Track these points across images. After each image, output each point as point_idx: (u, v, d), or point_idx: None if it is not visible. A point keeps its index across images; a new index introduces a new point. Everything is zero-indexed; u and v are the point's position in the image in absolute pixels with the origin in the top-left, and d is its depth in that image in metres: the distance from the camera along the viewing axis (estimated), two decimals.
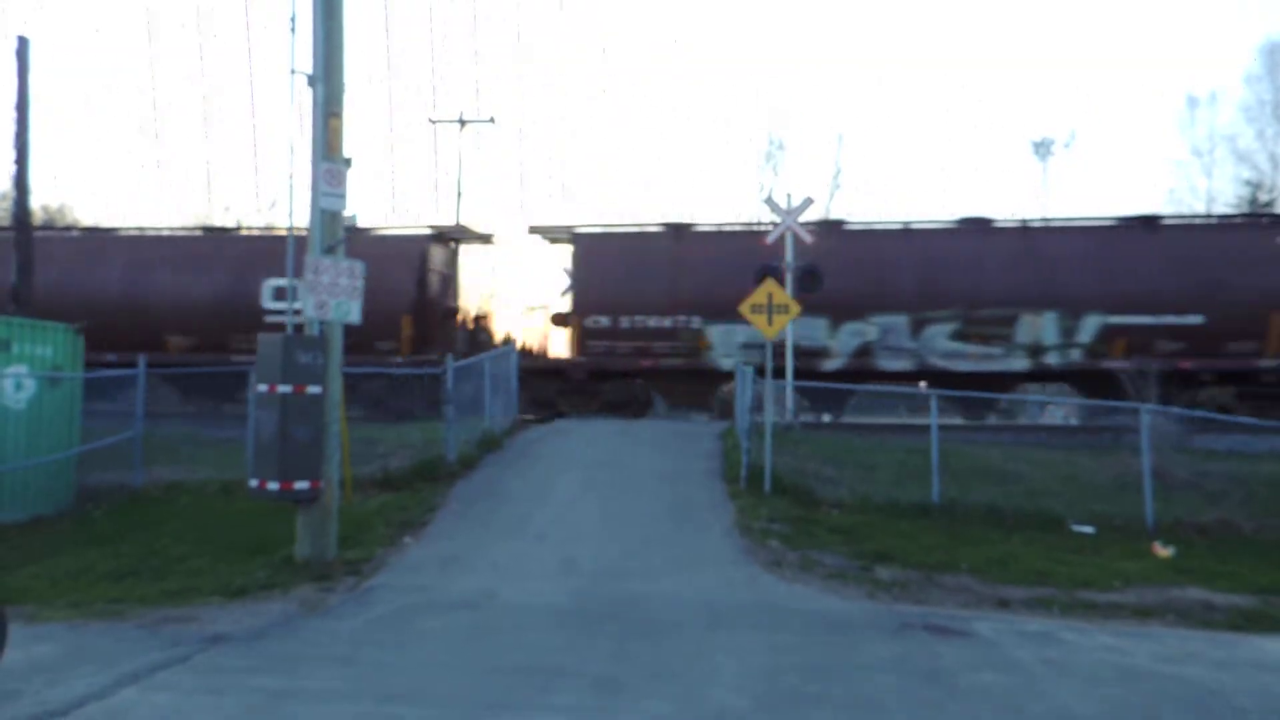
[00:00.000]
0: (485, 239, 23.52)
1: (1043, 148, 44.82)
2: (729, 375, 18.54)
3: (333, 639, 6.93)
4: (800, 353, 17.46)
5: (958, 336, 19.12)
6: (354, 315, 9.40)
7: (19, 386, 11.96)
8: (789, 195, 17.30)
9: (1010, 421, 22.80)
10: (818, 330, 19.00)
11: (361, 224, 23.61)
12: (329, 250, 9.24)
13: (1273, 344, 18.11)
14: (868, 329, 19.30)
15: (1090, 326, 18.68)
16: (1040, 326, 18.85)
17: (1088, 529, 11.23)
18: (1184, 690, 6.00)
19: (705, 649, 6.70)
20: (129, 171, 64.97)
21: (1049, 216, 22.60)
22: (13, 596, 7.91)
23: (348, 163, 9.36)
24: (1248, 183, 36.15)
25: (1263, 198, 34.62)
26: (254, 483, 9.09)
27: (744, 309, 14.61)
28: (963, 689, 5.92)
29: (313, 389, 9.03)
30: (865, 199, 68.16)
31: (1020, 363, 18.92)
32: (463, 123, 34.17)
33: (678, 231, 20.97)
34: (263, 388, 9.03)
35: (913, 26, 72.77)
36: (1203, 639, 7.39)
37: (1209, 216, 24.93)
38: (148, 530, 10.70)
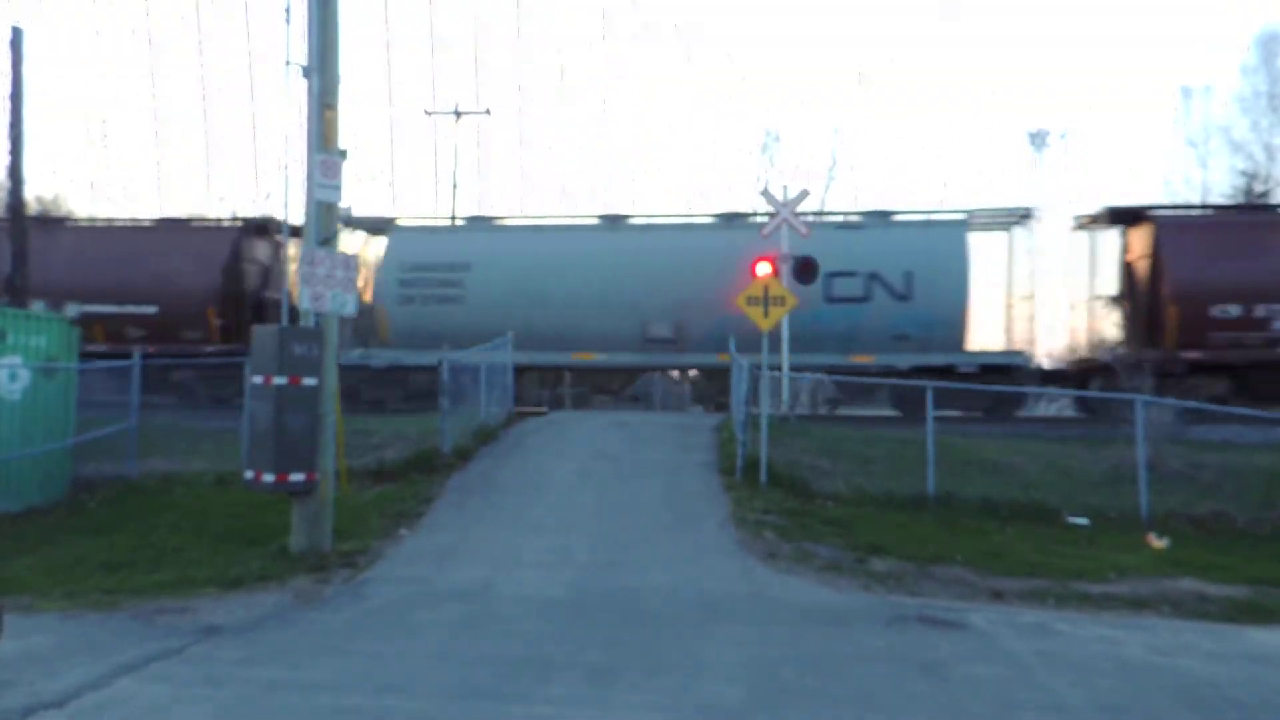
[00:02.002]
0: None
1: (1038, 139, 44.77)
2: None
3: (328, 630, 6.94)
4: None
5: None
6: (350, 307, 9.39)
7: (14, 377, 11.93)
8: (785, 187, 17.27)
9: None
10: None
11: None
12: (324, 242, 9.22)
13: (214, 334, 20.50)
14: None
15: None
16: None
17: (1082, 521, 11.25)
18: (1178, 681, 6.02)
19: (700, 640, 6.71)
20: (124, 162, 64.76)
21: None
22: (7, 587, 7.91)
23: (343, 154, 9.33)
24: (1243, 173, 36.16)
25: (1258, 188, 34.63)
26: (249, 474, 9.09)
27: (740, 301, 14.60)
28: (957, 680, 5.93)
29: (308, 380, 9.01)
30: (861, 190, 68.06)
31: None
32: (459, 114, 34.13)
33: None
34: (258, 379, 9.02)
35: (908, 18, 72.66)
36: (1196, 630, 7.41)
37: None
38: (143, 521, 10.69)
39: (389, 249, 21.16)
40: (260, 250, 21.91)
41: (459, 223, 23.12)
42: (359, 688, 5.60)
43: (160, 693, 5.43)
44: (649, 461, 13.25)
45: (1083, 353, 21.16)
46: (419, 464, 12.80)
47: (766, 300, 13.74)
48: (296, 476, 8.95)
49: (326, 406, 9.29)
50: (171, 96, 67.74)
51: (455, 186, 33.56)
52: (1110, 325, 20.98)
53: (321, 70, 9.22)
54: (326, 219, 9.30)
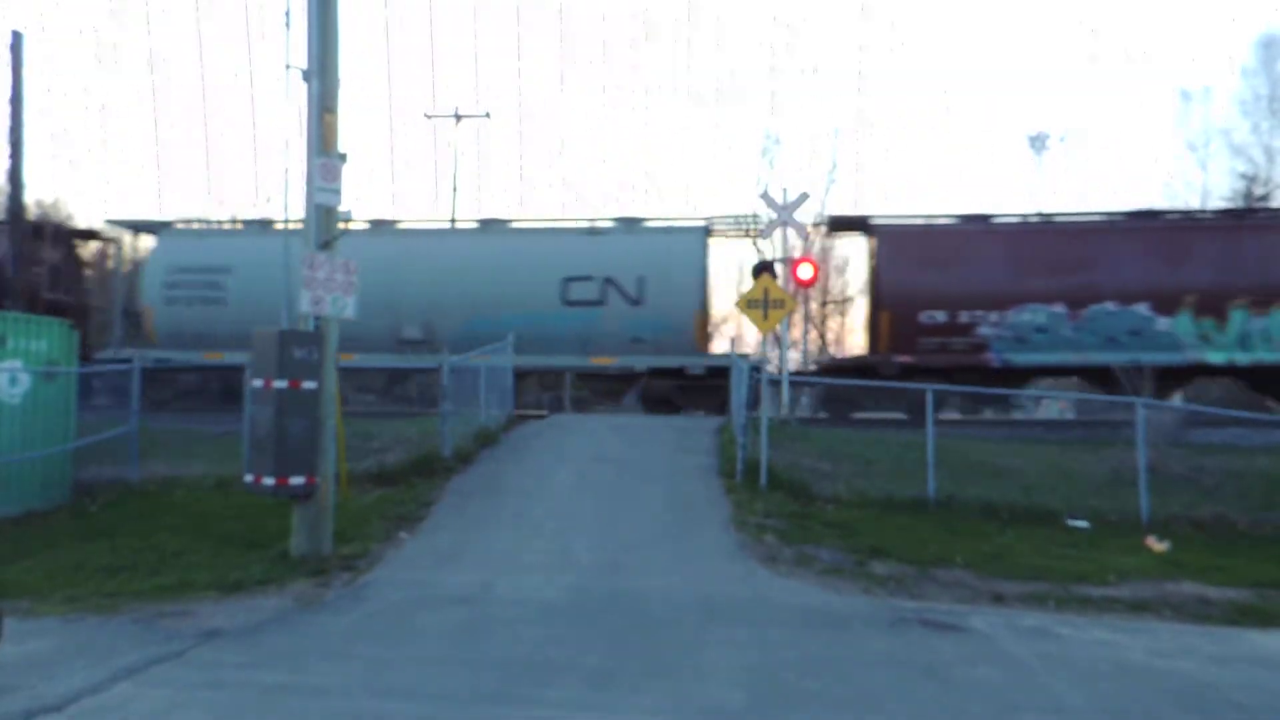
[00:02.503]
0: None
1: (1038, 142, 44.81)
2: None
3: (328, 634, 6.93)
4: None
5: None
6: (350, 310, 9.40)
7: (14, 381, 11.94)
8: (785, 190, 17.29)
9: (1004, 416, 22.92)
10: None
11: None
12: (325, 246, 9.23)
13: None
14: None
15: None
16: None
17: (1083, 524, 11.24)
18: (1179, 684, 6.01)
19: (700, 644, 6.71)
20: (124, 166, 64.77)
21: None
22: (8, 591, 7.90)
23: (343, 158, 9.33)
24: (1243, 176, 36.19)
25: (1258, 191, 34.65)
26: (250, 478, 9.08)
27: (739, 304, 14.62)
28: (958, 683, 5.92)
29: (308, 384, 9.02)
30: (861, 193, 68.12)
31: None
32: (459, 117, 34.15)
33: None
34: (258, 383, 9.02)
35: (909, 21, 72.72)
36: (1198, 633, 7.40)
37: None
38: (143, 525, 10.68)
39: (155, 251, 21.90)
40: (48, 252, 21.91)
41: (229, 226, 24.19)
42: (360, 691, 5.59)
43: (161, 696, 5.42)
44: (649, 464, 13.25)
45: (832, 354, 21.66)
46: (419, 467, 12.80)
47: (766, 303, 13.74)
48: (297, 480, 8.95)
49: (327, 410, 9.29)
50: (171, 100, 67.75)
51: (455, 190, 33.49)
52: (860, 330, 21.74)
53: (321, 74, 9.23)
54: (326, 222, 9.30)
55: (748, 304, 14.10)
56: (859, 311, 23.63)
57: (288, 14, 9.33)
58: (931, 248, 19.64)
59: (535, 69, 65.67)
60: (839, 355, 21.13)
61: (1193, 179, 43.03)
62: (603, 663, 6.22)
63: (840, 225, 21.69)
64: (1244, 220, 20.25)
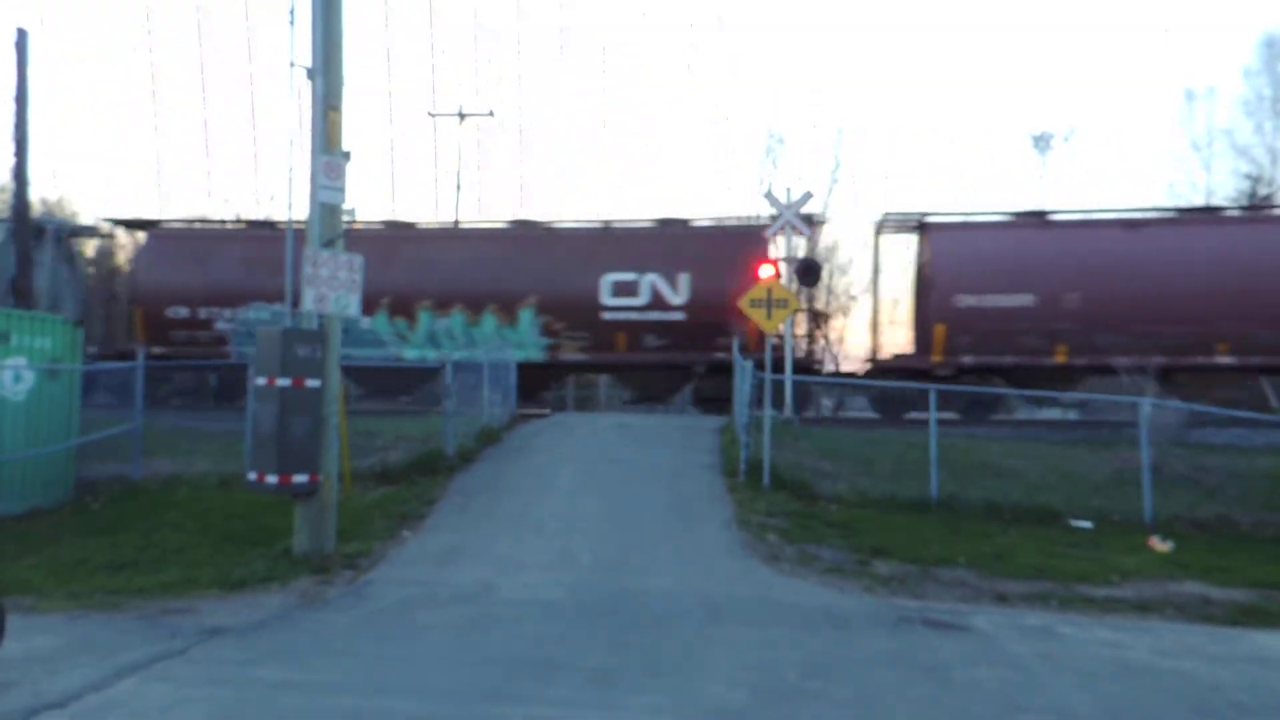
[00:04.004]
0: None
1: (1042, 141, 44.76)
2: None
3: (331, 632, 6.94)
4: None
5: None
6: (353, 309, 9.40)
7: (18, 378, 11.95)
8: (788, 189, 17.30)
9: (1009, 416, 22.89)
10: None
11: None
12: (328, 244, 9.23)
13: None
14: None
15: None
16: None
17: (1085, 524, 11.23)
18: (1182, 685, 6.00)
19: (702, 643, 6.71)
20: (128, 164, 64.87)
21: None
22: (11, 588, 7.91)
23: (347, 156, 9.34)
24: (1246, 176, 36.14)
25: (1261, 191, 34.60)
26: (252, 475, 9.09)
27: (743, 304, 14.62)
28: (960, 683, 5.92)
29: (311, 382, 9.02)
30: (866, 193, 68.11)
31: None
32: (462, 116, 34.15)
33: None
34: (261, 381, 9.02)
35: (912, 20, 72.66)
36: (1201, 633, 7.40)
37: None
38: (146, 522, 10.70)
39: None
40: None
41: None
42: (362, 689, 5.60)
43: (163, 693, 5.43)
44: (652, 463, 13.25)
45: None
46: (422, 466, 12.81)
47: (770, 303, 13.74)
48: (300, 478, 8.95)
49: (330, 408, 9.30)
50: (174, 98, 67.82)
51: (459, 188, 33.46)
52: None
53: (325, 72, 9.23)
54: (330, 220, 9.30)
55: (751, 303, 14.10)
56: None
57: (292, 12, 9.34)
58: (182, 249, 21.62)
59: (535, 69, 65.63)
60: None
61: (1197, 179, 42.92)
62: (604, 661, 6.22)
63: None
64: (434, 231, 22.54)
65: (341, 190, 9.31)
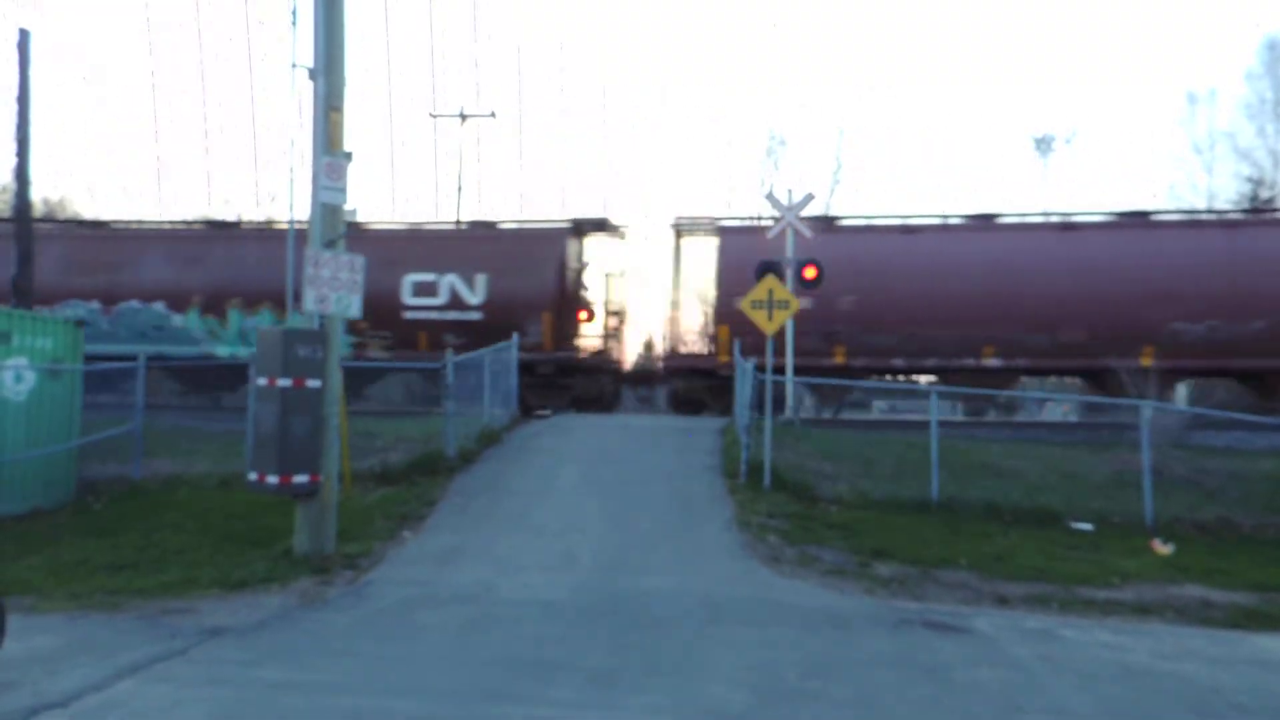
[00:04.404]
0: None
1: (1044, 144, 44.78)
2: None
3: (331, 632, 6.94)
4: None
5: None
6: (354, 309, 9.40)
7: (19, 378, 11.95)
8: (790, 191, 17.29)
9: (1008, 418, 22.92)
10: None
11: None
12: (330, 244, 9.23)
13: None
14: None
15: None
16: None
17: (1086, 526, 11.23)
18: (1182, 687, 6.00)
19: (703, 644, 6.71)
20: (129, 165, 64.86)
21: None
22: (11, 588, 7.91)
23: (348, 157, 9.35)
24: (1248, 179, 36.15)
25: (1263, 194, 34.60)
26: (253, 476, 9.10)
27: (744, 305, 14.61)
28: (960, 685, 5.92)
29: (312, 382, 9.02)
30: (867, 194, 68.05)
31: None
32: (464, 117, 34.17)
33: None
34: (262, 381, 9.02)
35: (915, 21, 72.66)
36: (1201, 636, 7.39)
37: None
38: (147, 522, 10.70)
39: None
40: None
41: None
42: (363, 689, 5.60)
43: (164, 693, 5.43)
44: (653, 464, 13.24)
45: None
46: (423, 466, 12.80)
47: (771, 304, 13.74)
48: (300, 478, 8.95)
49: (331, 409, 9.30)
50: (175, 98, 67.84)
51: (460, 189, 33.48)
52: None
53: (328, 72, 9.24)
54: (331, 221, 9.31)
55: (752, 305, 14.10)
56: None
57: (294, 13, 9.35)
58: None
59: (536, 69, 65.62)
60: None
61: (1198, 182, 42.92)
62: (605, 662, 6.22)
63: None
64: (232, 231, 23.19)
65: (343, 191, 9.31)
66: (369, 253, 18.58)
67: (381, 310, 20.20)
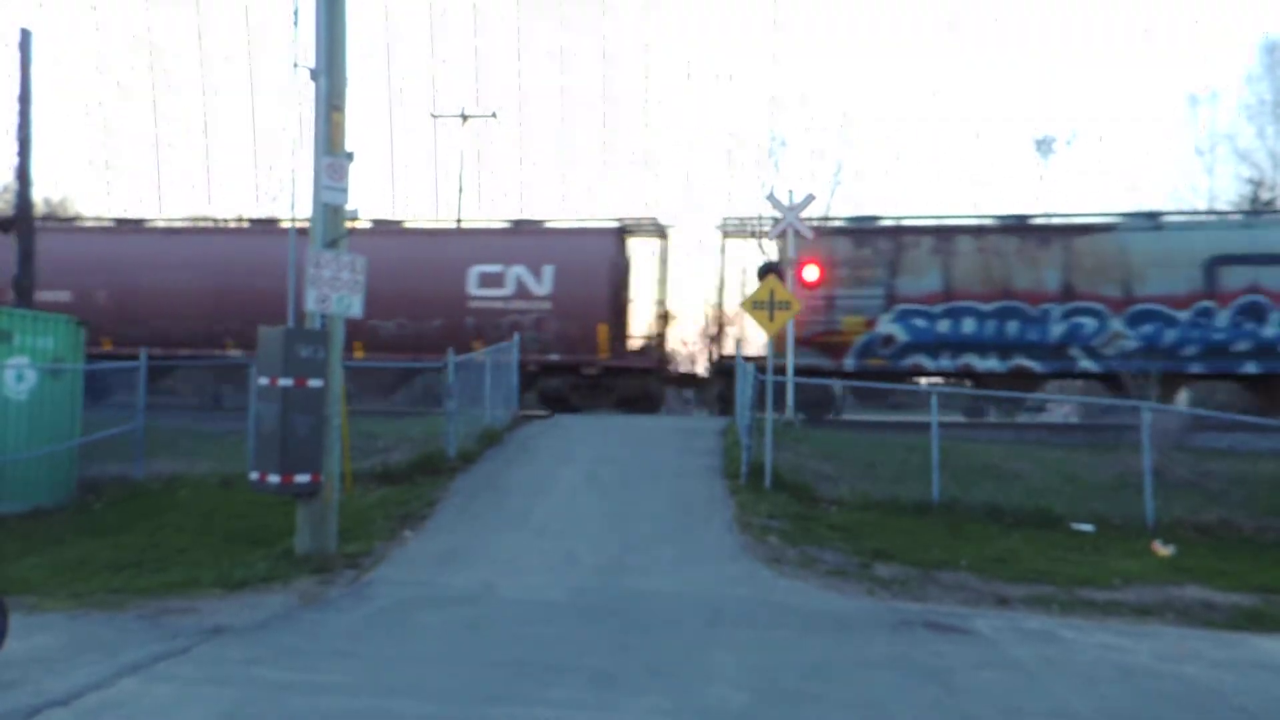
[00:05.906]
0: None
1: (1044, 145, 44.75)
2: None
3: (332, 632, 6.94)
4: None
5: None
6: (356, 309, 9.41)
7: (20, 378, 11.97)
8: (790, 192, 17.30)
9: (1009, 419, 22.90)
10: None
11: None
12: (331, 244, 9.24)
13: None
14: None
15: None
16: None
17: (1087, 527, 11.23)
18: (1184, 689, 6.00)
19: (704, 645, 6.71)
20: (130, 164, 64.89)
21: None
22: (13, 587, 7.92)
23: (350, 157, 9.35)
24: (1249, 181, 36.12)
25: (1264, 196, 34.59)
26: (254, 475, 9.10)
27: (745, 305, 14.61)
28: (961, 687, 5.92)
29: (314, 382, 9.03)
30: (867, 195, 68.00)
31: None
32: (465, 117, 34.18)
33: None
34: (264, 380, 9.03)
35: (915, 22, 72.67)
36: (1203, 638, 7.39)
37: None
38: (149, 522, 10.72)
39: None
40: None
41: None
42: (363, 689, 5.60)
43: (165, 692, 5.43)
44: (654, 465, 13.24)
45: None
46: (424, 466, 12.81)
47: (772, 304, 13.73)
48: (301, 478, 8.96)
49: (332, 409, 9.30)
50: (176, 97, 67.92)
51: (461, 190, 33.49)
52: None
53: (329, 72, 9.25)
54: (333, 221, 9.31)
55: (753, 305, 14.09)
56: None
57: (296, 13, 9.34)
58: None
59: (536, 69, 65.70)
60: None
61: (1199, 184, 42.94)
62: (605, 663, 6.22)
63: None
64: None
65: (344, 191, 9.31)
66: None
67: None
